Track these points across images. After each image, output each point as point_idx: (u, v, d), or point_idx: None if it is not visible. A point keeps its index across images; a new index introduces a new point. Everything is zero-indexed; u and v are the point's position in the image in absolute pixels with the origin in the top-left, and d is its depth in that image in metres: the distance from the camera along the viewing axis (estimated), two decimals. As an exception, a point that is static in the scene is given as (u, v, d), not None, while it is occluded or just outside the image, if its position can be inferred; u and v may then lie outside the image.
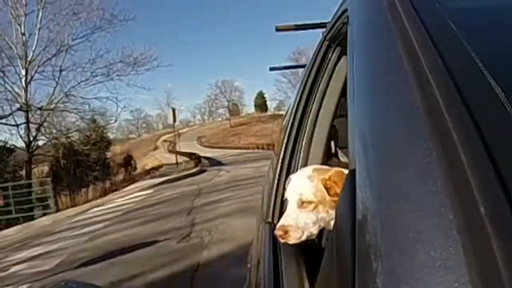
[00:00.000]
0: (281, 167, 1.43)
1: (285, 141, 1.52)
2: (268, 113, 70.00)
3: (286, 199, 0.91)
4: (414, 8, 0.57)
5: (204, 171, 18.02)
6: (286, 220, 0.87)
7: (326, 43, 1.33)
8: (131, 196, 13.09)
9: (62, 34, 16.78)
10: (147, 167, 27.34)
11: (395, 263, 0.34)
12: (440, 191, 0.33)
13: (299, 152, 1.36)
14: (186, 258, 4.88)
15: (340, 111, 1.40)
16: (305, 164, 1.30)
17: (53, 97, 16.34)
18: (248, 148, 38.23)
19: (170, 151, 46.79)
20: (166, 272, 4.48)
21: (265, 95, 71.57)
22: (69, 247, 6.90)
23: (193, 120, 76.46)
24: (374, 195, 0.42)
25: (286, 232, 0.86)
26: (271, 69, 3.08)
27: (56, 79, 16.33)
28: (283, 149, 1.50)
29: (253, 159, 20.25)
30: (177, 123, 24.50)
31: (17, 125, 15.05)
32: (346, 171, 0.88)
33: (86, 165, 18.50)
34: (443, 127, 0.37)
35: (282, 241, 0.88)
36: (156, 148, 52.62)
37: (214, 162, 22.77)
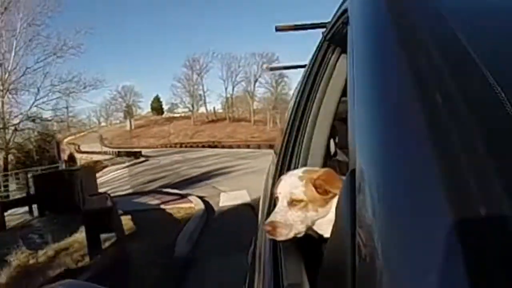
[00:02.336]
0: (281, 167, 1.45)
1: (285, 141, 1.54)
2: (164, 116, 77.27)
3: (276, 197, 0.93)
4: (413, 8, 0.58)
5: (147, 160, 26.50)
6: (275, 216, 0.90)
7: (326, 43, 1.34)
8: (115, 172, 20.51)
9: (25, 58, 22.08)
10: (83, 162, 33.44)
11: (395, 263, 0.34)
12: (440, 191, 0.33)
13: (299, 152, 1.37)
14: (185, 176, 14.42)
15: (340, 111, 1.38)
16: (305, 164, 1.33)
17: (32, 107, 22.40)
18: (156, 147, 45.84)
19: (78, 152, 51.14)
20: (195, 173, 14.15)
21: (161, 99, 78.36)
22: (121, 186, 13.84)
23: (88, 123, 78.20)
24: (374, 195, 0.42)
25: (274, 228, 0.89)
26: (271, 69, 3.11)
27: (34, 94, 22.07)
28: (283, 149, 1.52)
29: (171, 153, 29.67)
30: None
31: (17, 130, 21.14)
32: (334, 172, 0.92)
33: (45, 159, 25.20)
34: (443, 127, 0.37)
35: (270, 237, 0.92)
36: (63, 150, 55.47)
37: (145, 156, 31.34)
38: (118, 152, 33.56)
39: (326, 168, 0.99)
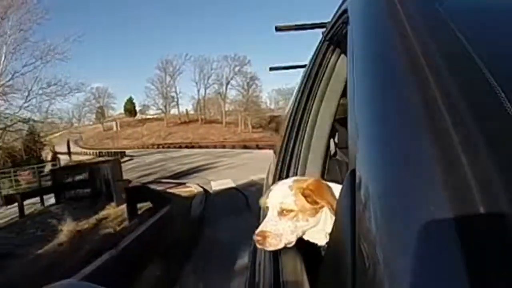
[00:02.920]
0: (281, 168, 1.46)
1: (285, 141, 1.54)
2: (136, 117, 77.90)
3: (267, 206, 0.92)
4: (413, 8, 0.58)
5: (132, 159, 28.35)
6: (265, 226, 0.89)
7: (326, 43, 1.35)
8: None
9: (13, 61, 22.84)
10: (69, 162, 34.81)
11: (395, 263, 0.34)
12: (440, 192, 0.33)
13: (299, 152, 1.38)
14: (173, 171, 16.91)
15: (340, 111, 1.40)
16: (305, 165, 1.33)
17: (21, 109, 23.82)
18: (134, 148, 47.04)
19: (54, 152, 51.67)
20: (181, 169, 16.55)
21: (134, 101, 78.74)
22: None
23: (60, 124, 77.16)
24: (374, 195, 0.42)
25: (264, 238, 0.88)
26: (271, 69, 3.10)
27: (25, 97, 23.68)
28: (283, 149, 1.52)
29: (151, 153, 31.64)
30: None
31: (7, 130, 22.63)
32: (323, 182, 0.92)
33: (34, 158, 26.64)
34: (443, 127, 0.37)
35: (260, 247, 0.90)
36: (45, 150, 55.77)
37: (128, 156, 32.99)
38: (99, 152, 35.05)
39: (314, 178, 0.98)
